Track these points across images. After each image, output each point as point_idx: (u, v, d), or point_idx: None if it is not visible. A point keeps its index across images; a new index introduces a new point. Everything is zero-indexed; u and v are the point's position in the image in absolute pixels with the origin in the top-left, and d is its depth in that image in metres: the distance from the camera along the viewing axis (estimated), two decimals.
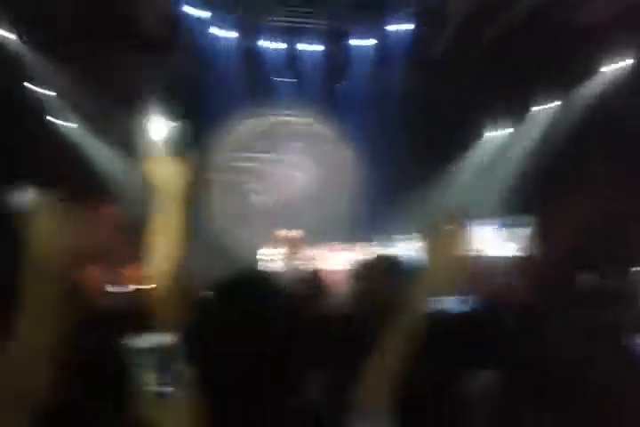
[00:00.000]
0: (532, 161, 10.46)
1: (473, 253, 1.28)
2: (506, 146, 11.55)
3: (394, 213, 10.17)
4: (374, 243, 10.17)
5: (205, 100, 10.75)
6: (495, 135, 11.81)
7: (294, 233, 10.27)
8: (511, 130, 11.53)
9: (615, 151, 8.93)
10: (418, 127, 10.76)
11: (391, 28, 10.48)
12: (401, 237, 9.98)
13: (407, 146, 10.83)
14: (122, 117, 9.30)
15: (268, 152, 12.15)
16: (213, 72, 10.91)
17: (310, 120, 11.98)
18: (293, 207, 11.91)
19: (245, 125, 11.91)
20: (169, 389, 0.98)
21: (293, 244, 9.66)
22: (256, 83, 11.11)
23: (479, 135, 11.84)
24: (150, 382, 0.98)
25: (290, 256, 9.40)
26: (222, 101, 10.93)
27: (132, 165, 10.23)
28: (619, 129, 8.95)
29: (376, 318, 1.78)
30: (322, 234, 10.88)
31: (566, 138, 9.84)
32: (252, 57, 10.87)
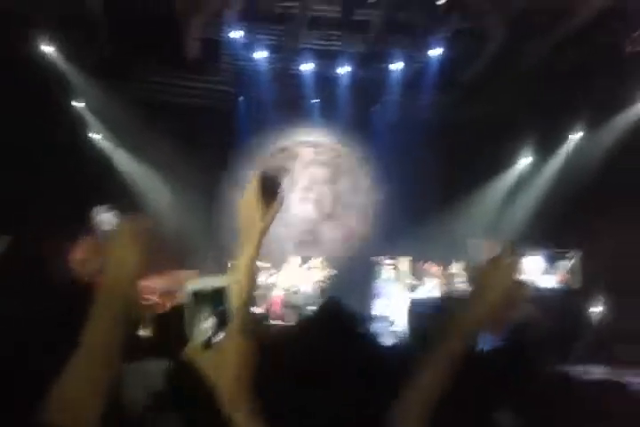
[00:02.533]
0: (564, 191, 10.29)
1: (524, 286, 1.27)
2: (536, 174, 11.42)
3: (420, 239, 10.06)
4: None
5: (242, 122, 10.96)
6: (526, 163, 11.68)
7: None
8: (542, 158, 11.40)
9: None
10: (448, 152, 10.75)
11: (424, 51, 10.54)
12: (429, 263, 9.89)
13: (437, 171, 10.82)
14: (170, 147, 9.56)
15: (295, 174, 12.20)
16: (250, 95, 11.12)
17: (340, 144, 12.06)
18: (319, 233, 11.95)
19: (278, 149, 12.07)
20: (220, 331, 0.99)
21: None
22: (290, 104, 11.25)
23: (510, 162, 11.73)
24: (204, 325, 0.99)
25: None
26: (258, 124, 11.16)
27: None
28: None
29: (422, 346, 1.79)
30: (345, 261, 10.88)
31: (598, 170, 9.68)
32: (287, 79, 11.02)
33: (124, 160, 10.79)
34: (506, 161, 11.61)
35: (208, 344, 1.01)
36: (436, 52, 10.47)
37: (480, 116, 10.55)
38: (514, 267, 1.23)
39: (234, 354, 1.03)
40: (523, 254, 1.31)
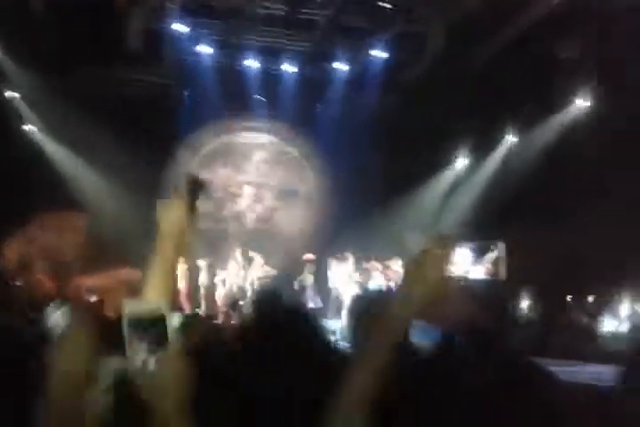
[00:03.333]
0: (502, 188, 10.70)
1: (452, 277, 1.32)
2: (474, 172, 11.83)
3: (363, 233, 10.25)
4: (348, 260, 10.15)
5: (184, 114, 10.79)
6: (465, 161, 12.06)
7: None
8: (477, 158, 11.83)
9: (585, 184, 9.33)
10: (390, 151, 10.97)
11: (369, 52, 10.71)
12: (373, 256, 10.05)
13: (379, 169, 11.01)
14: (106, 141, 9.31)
15: (238, 170, 12.13)
16: (193, 88, 10.97)
17: (284, 141, 12.07)
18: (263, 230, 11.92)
19: (218, 142, 11.93)
20: (158, 356, 1.01)
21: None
22: (234, 100, 11.18)
23: (450, 160, 12.10)
24: (140, 350, 1.01)
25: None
26: (200, 117, 11.00)
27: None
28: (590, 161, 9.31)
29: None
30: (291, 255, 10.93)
31: (535, 168, 10.12)
32: (231, 75, 10.95)
33: (60, 154, 10.43)
34: (443, 160, 11.95)
35: (144, 368, 1.03)
36: (379, 54, 10.66)
37: (420, 116, 10.80)
38: (443, 259, 1.26)
39: (172, 377, 1.06)
40: (452, 246, 1.36)
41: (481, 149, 11.67)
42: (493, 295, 8.61)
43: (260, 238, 11.66)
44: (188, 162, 11.56)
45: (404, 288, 1.27)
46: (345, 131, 11.13)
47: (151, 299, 1.26)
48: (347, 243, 10.25)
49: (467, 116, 10.85)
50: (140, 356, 1.01)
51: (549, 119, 10.67)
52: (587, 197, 9.16)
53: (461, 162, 12.10)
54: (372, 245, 10.24)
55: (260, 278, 9.87)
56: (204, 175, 11.81)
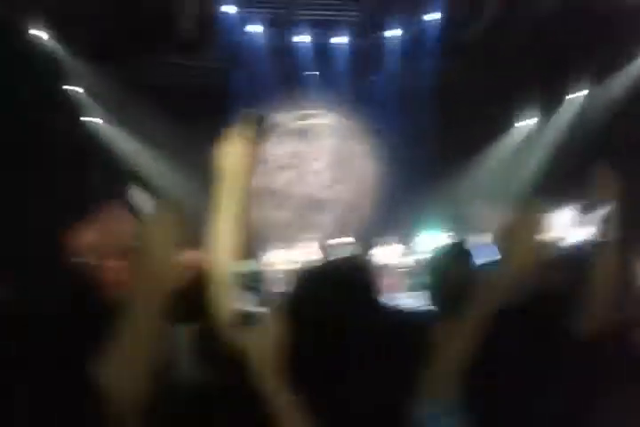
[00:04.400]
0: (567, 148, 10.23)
1: (550, 242, 1.24)
2: (536, 135, 11.36)
3: (426, 208, 10.04)
4: (416, 237, 9.94)
5: (238, 96, 10.81)
6: (528, 123, 11.60)
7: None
8: (543, 118, 11.33)
9: None
10: (452, 116, 10.64)
11: (421, 17, 10.37)
12: (436, 232, 9.85)
13: (440, 138, 10.72)
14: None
15: (297, 149, 12.10)
16: (246, 69, 10.97)
17: (340, 116, 11.93)
18: (322, 206, 11.88)
19: (276, 121, 11.93)
20: (261, 310, 1.01)
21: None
22: (288, 78, 11.12)
23: (512, 123, 11.66)
24: (245, 303, 1.01)
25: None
26: (254, 98, 11.00)
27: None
28: None
29: (447, 308, 1.77)
30: (356, 232, 10.87)
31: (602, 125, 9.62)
32: (283, 52, 10.87)
33: (125, 142, 10.73)
34: (509, 121, 11.52)
35: (248, 321, 1.03)
36: (433, 17, 10.32)
37: (480, 78, 10.42)
38: (539, 225, 1.21)
39: (273, 334, 1.05)
40: (548, 211, 1.28)
41: (548, 108, 11.15)
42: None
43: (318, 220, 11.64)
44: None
45: (503, 256, 1.23)
46: (403, 101, 10.84)
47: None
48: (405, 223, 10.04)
49: (529, 78, 10.40)
50: (245, 310, 1.02)
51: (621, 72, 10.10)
52: None
53: (529, 122, 11.59)
54: (433, 222, 9.95)
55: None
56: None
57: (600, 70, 10.09)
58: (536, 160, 11.15)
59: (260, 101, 11.30)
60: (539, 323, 1.64)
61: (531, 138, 11.54)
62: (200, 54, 10.59)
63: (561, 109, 11.06)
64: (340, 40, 10.93)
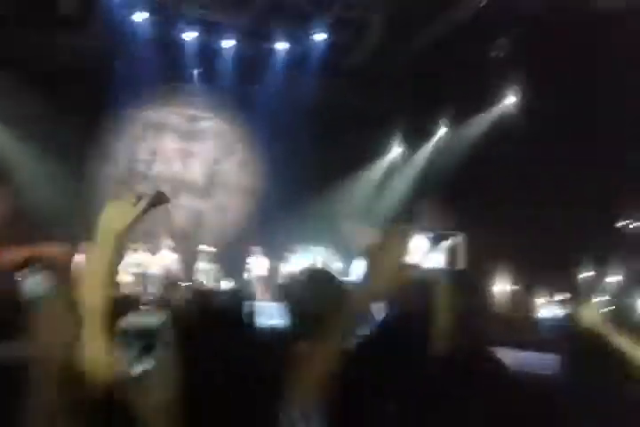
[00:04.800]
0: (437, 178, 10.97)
1: (411, 265, 1.36)
2: (410, 162, 12.07)
3: (300, 223, 10.10)
4: (290, 252, 10.00)
5: (117, 87, 10.31)
6: (399, 151, 12.26)
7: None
8: (414, 147, 12.06)
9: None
10: (327, 136, 10.93)
11: (308, 34, 10.65)
12: (314, 247, 9.99)
13: (314, 155, 10.89)
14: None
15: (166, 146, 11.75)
16: (127, 57, 10.50)
17: (219, 119, 11.80)
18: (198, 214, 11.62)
19: (148, 116, 11.54)
20: (147, 367, 1.03)
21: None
22: (169, 72, 10.83)
23: (384, 150, 12.25)
24: (132, 361, 1.02)
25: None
26: (132, 88, 10.56)
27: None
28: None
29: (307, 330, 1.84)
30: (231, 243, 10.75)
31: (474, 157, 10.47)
32: (169, 45, 10.58)
33: None
34: (380, 149, 12.08)
35: (134, 374, 1.05)
36: (319, 37, 10.64)
37: (358, 103, 10.87)
38: (401, 248, 1.30)
39: (161, 386, 1.08)
40: (410, 236, 1.40)
41: (415, 140, 11.88)
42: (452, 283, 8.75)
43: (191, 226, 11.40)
44: (118, 134, 11.16)
45: (366, 276, 1.30)
46: (283, 113, 10.90)
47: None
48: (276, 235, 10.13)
49: (403, 107, 11.03)
50: (132, 364, 1.04)
51: (482, 113, 11.09)
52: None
53: (396, 151, 12.26)
54: (305, 236, 10.08)
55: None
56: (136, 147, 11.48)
57: (464, 110, 11.02)
58: (402, 186, 11.82)
59: (141, 92, 10.87)
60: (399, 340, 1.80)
61: (398, 165, 12.22)
62: (82, 37, 9.97)
63: (428, 141, 11.86)
64: (229, 44, 10.87)
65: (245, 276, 9.90)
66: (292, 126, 10.81)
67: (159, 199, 1.32)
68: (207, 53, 10.87)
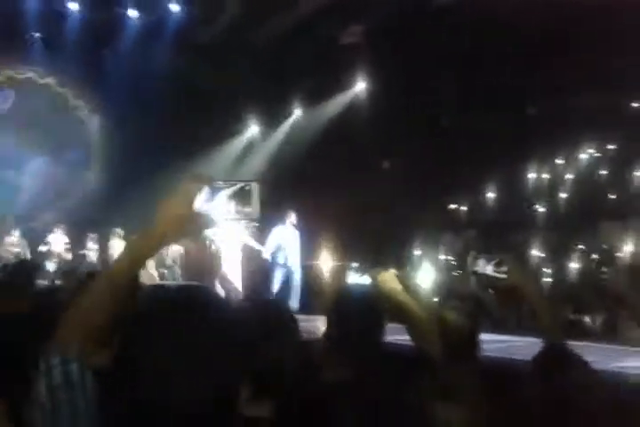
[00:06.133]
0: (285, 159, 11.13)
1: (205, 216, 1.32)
2: (262, 142, 12.05)
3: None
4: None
5: None
6: (254, 131, 12.20)
7: None
8: (270, 127, 12.01)
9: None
10: (180, 112, 10.57)
11: (165, 4, 10.26)
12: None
13: (165, 128, 10.48)
14: None
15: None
16: None
17: (60, 86, 10.96)
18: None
19: None
20: None
21: None
22: (6, 36, 9.85)
23: (238, 129, 12.07)
24: None
25: None
26: None
27: None
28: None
29: None
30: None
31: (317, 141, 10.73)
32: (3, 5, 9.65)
33: None
34: (234, 128, 11.89)
35: None
36: (173, 8, 10.29)
37: (213, 80, 10.63)
38: (189, 193, 1.26)
39: None
40: (205, 183, 1.34)
41: (270, 120, 11.86)
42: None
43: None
44: None
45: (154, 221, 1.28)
46: (132, 84, 10.31)
47: None
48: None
49: (258, 86, 10.94)
50: None
51: (333, 98, 11.33)
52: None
53: (251, 130, 12.18)
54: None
55: None
56: None
57: (319, 93, 11.22)
58: (256, 167, 11.71)
59: None
60: None
61: (253, 146, 12.14)
62: None
63: (284, 124, 11.89)
64: (74, 6, 10.15)
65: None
66: (143, 99, 10.23)
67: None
68: (50, 15, 10.13)
